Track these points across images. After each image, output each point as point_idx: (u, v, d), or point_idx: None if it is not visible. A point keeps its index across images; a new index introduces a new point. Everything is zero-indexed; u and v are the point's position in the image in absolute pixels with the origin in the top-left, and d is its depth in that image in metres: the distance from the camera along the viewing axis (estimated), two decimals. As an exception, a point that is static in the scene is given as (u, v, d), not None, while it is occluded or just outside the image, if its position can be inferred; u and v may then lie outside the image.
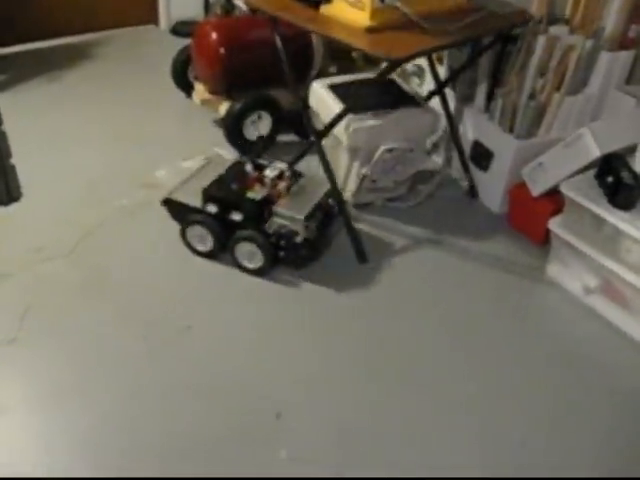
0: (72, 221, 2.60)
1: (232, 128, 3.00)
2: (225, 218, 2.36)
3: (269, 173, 2.40)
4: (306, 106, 2.87)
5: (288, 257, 2.37)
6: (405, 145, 2.61)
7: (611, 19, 2.68)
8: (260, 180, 2.39)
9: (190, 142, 3.15)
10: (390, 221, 2.73)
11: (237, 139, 3.03)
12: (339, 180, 2.64)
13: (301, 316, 2.30)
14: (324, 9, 2.32)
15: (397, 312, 2.35)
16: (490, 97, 2.84)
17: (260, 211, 2.34)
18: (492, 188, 2.88)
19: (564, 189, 2.37)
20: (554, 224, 2.46)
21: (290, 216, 2.33)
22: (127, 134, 3.19)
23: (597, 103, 2.83)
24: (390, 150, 2.58)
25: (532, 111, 2.67)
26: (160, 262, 2.47)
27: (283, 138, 3.19)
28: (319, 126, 2.86)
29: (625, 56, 2.79)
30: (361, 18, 2.23)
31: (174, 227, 2.57)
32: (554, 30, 2.63)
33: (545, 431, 2.00)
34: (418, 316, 2.35)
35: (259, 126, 3.03)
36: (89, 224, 2.59)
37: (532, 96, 2.66)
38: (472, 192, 2.97)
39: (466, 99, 2.97)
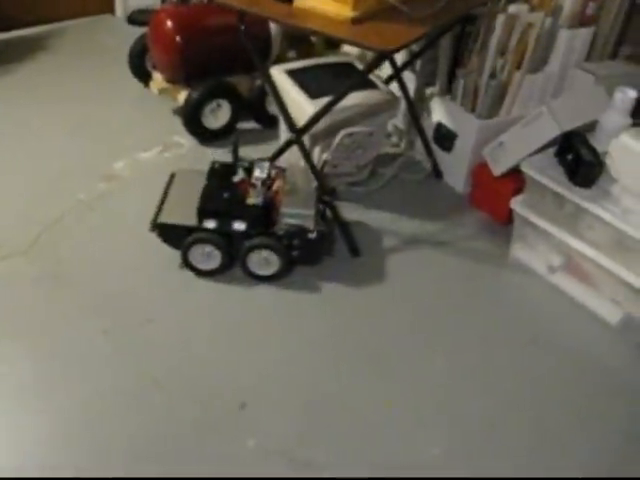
0: (30, 216, 2.55)
1: (191, 117, 2.96)
2: (226, 230, 2.28)
3: (259, 175, 2.33)
4: (266, 93, 2.85)
5: (303, 255, 2.32)
6: (365, 129, 2.58)
7: (569, -4, 2.68)
8: (252, 184, 2.33)
9: (149, 132, 3.11)
10: (353, 205, 2.71)
11: (196, 128, 2.99)
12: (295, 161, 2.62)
13: (262, 305, 2.28)
14: (299, 2, 2.22)
15: (360, 296, 2.34)
16: (451, 78, 2.83)
17: (265, 216, 2.27)
18: (456, 168, 2.88)
19: (524, 168, 2.37)
20: (516, 203, 2.46)
21: (299, 213, 2.28)
22: (84, 126, 3.14)
23: (558, 81, 2.84)
24: (350, 134, 2.55)
25: (493, 90, 2.66)
26: (120, 255, 2.42)
27: (243, 125, 3.17)
28: (275, 112, 2.86)
29: (584, 33, 2.79)
30: (343, 9, 2.15)
31: (132, 221, 2.55)
32: (513, 9, 2.62)
33: (514, 410, 2.00)
34: (381, 299, 2.34)
35: (218, 114, 2.99)
36: (47, 219, 2.54)
37: (493, 75, 2.65)
38: (436, 173, 2.97)
39: (428, 81, 2.95)
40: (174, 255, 2.32)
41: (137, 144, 3.00)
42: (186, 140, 3.03)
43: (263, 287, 2.33)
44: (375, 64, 2.41)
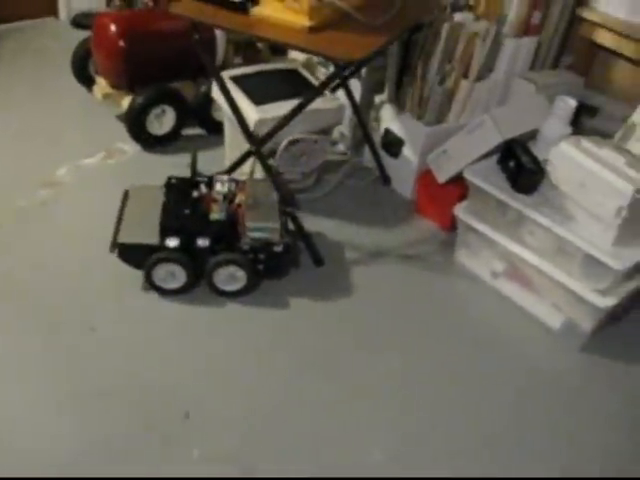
0: (-34, 224, 2.49)
1: (135, 123, 2.91)
2: (190, 248, 2.22)
3: (220, 188, 2.30)
4: (211, 99, 2.83)
5: (270, 269, 2.29)
6: (309, 136, 2.58)
7: (514, 5, 2.72)
8: (214, 199, 2.29)
9: (92, 138, 3.06)
10: (302, 213, 2.68)
11: (140, 134, 2.95)
12: (245, 171, 2.60)
13: (207, 312, 2.26)
14: (255, 11, 2.20)
15: (303, 306, 2.33)
16: (399, 85, 2.85)
17: (229, 231, 2.24)
18: (404, 175, 2.89)
19: (467, 175, 2.39)
20: (459, 210, 2.48)
21: (265, 227, 2.23)
22: (25, 132, 3.07)
23: (503, 89, 2.88)
24: (294, 142, 2.55)
25: (440, 98, 2.69)
26: (61, 263, 2.37)
27: (188, 132, 3.14)
28: (222, 118, 2.84)
29: (528, 42, 2.84)
30: (300, 18, 2.14)
31: (75, 228, 2.51)
32: (458, 17, 2.65)
33: (455, 413, 2.02)
34: (323, 308, 2.33)
35: (163, 120, 2.96)
36: (-15, 227, 2.48)
37: (441, 82, 2.68)
38: (384, 179, 2.98)
39: (374, 88, 2.97)
40: (115, 264, 2.26)
41: (80, 150, 2.94)
42: (130, 146, 2.99)
43: (205, 295, 2.30)
44: (336, 75, 2.41)
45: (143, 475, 1.75)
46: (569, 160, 2.18)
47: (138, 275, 2.27)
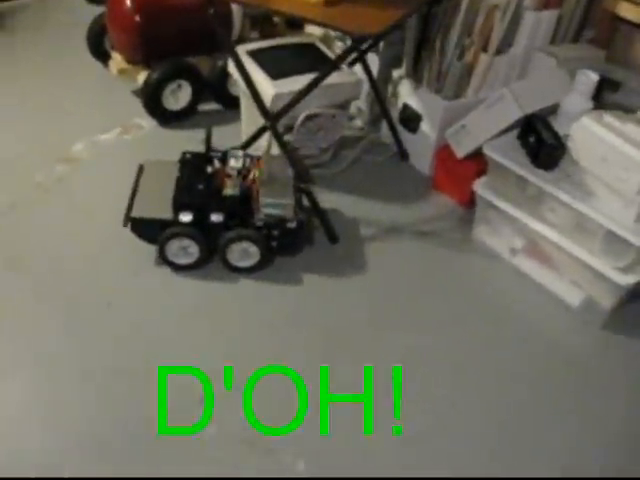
0: (-17, 200, 2.50)
1: (151, 98, 2.90)
2: (203, 223, 2.21)
3: (234, 164, 2.28)
4: (227, 73, 2.81)
5: (284, 245, 2.28)
6: (327, 111, 2.56)
7: (535, -22, 2.67)
8: (227, 174, 2.27)
9: (108, 114, 3.04)
10: (318, 189, 2.67)
11: (156, 109, 2.93)
12: (262, 147, 2.59)
13: (220, 288, 2.25)
14: None
15: (317, 283, 2.32)
16: (417, 59, 2.81)
17: (243, 206, 2.22)
18: (422, 150, 2.86)
19: (487, 151, 2.36)
20: (478, 186, 2.45)
21: (279, 203, 2.21)
22: (41, 108, 3.06)
23: (522, 63, 2.83)
24: (312, 116, 2.52)
25: (459, 72, 2.65)
26: (78, 239, 2.38)
27: (204, 107, 3.12)
28: (239, 93, 2.81)
29: (548, 15, 2.78)
30: None
31: (91, 204, 2.51)
32: (478, -11, 2.61)
33: (477, 391, 2.01)
34: (338, 286, 2.32)
35: (179, 95, 2.94)
36: (3, 202, 2.48)
37: (460, 56, 2.64)
38: (402, 155, 2.95)
39: (391, 63, 2.93)
40: (130, 240, 2.26)
41: (96, 126, 2.93)
42: (146, 122, 2.97)
43: (223, 276, 2.29)
44: (352, 49, 2.37)
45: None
46: (591, 135, 2.14)
47: (153, 250, 2.27)
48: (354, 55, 2.72)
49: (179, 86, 2.93)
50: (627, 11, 2.74)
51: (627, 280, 2.11)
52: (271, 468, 1.77)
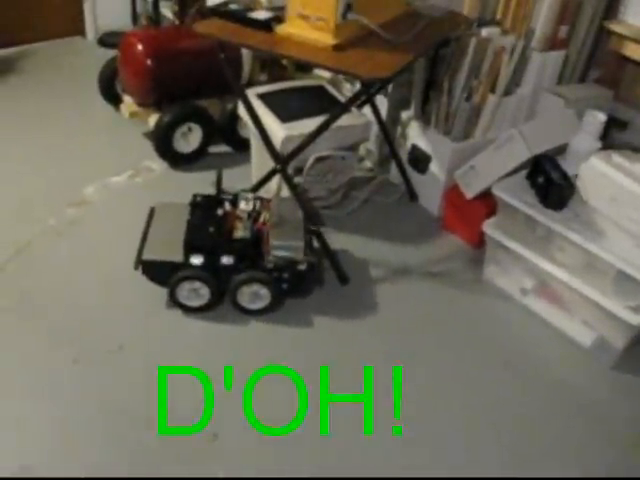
0: (-2, 242, 2.52)
1: (162, 141, 2.93)
2: (214, 265, 2.22)
3: (244, 207, 2.30)
4: (237, 116, 2.84)
5: (294, 287, 2.28)
6: (336, 153, 2.58)
7: (541, 20, 2.70)
8: (238, 217, 2.28)
9: (119, 157, 3.08)
10: (328, 230, 2.68)
11: (167, 152, 2.97)
12: (272, 190, 2.60)
13: (231, 330, 2.25)
14: (280, 30, 2.20)
15: (327, 324, 2.31)
16: (425, 101, 2.83)
17: (253, 249, 2.23)
18: (431, 191, 2.88)
19: (496, 191, 2.37)
20: (488, 226, 2.45)
21: (289, 245, 2.22)
22: (54, 150, 3.10)
23: (530, 104, 2.86)
24: (321, 158, 2.54)
25: (467, 113, 2.67)
26: (90, 282, 2.38)
27: (215, 149, 3.15)
28: (249, 135, 2.84)
29: (555, 56, 2.82)
30: (324, 36, 2.13)
31: (103, 247, 2.52)
32: (485, 32, 2.64)
33: (487, 433, 1.99)
34: (348, 327, 2.31)
35: (189, 138, 2.97)
36: (16, 245, 2.50)
37: (467, 98, 2.66)
38: (411, 196, 2.97)
39: (400, 105, 2.96)
40: (141, 283, 2.27)
41: (108, 168, 2.97)
42: (157, 164, 3.01)
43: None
44: (362, 92, 2.39)
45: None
46: (600, 175, 2.15)
47: (164, 292, 2.27)
48: (363, 97, 2.74)
49: (190, 129, 2.96)
50: (633, 51, 2.76)
51: (639, 319, 2.10)
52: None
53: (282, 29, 2.21)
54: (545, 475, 1.89)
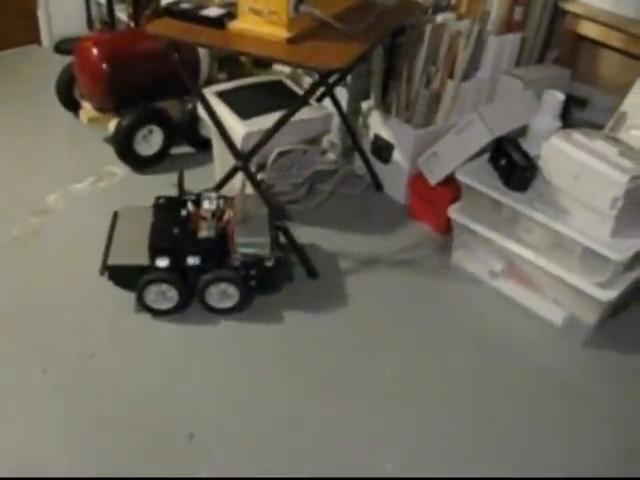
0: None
1: (123, 145, 2.90)
2: (180, 267, 2.20)
3: (208, 206, 2.27)
4: (197, 116, 2.82)
5: (262, 284, 2.26)
6: (299, 147, 2.57)
7: (496, 2, 2.71)
8: (202, 217, 2.26)
9: (81, 163, 3.04)
10: (295, 225, 2.66)
11: (129, 155, 2.93)
12: (236, 188, 2.58)
13: (202, 331, 2.23)
14: (233, 26, 2.17)
15: (298, 319, 2.30)
16: (385, 90, 2.83)
17: (219, 248, 2.21)
18: (396, 180, 2.88)
19: (459, 176, 2.37)
20: (454, 211, 2.45)
21: (255, 242, 2.20)
22: (13, 159, 3.05)
23: (489, 87, 2.86)
24: (284, 153, 2.53)
25: (427, 100, 2.67)
26: (56, 291, 2.35)
27: (177, 150, 3.13)
28: (210, 134, 2.82)
29: (512, 39, 2.83)
30: (278, 30, 2.11)
31: (68, 254, 2.49)
32: (441, 18, 2.64)
33: (465, 418, 2.00)
34: (320, 321, 2.31)
35: (150, 140, 2.94)
36: (-22, 258, 2.46)
37: (427, 84, 2.66)
38: (377, 186, 2.97)
39: (360, 95, 2.95)
40: (107, 289, 2.25)
41: (70, 175, 2.92)
42: (120, 169, 2.97)
43: (200, 314, 2.27)
44: (319, 84, 2.38)
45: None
46: (561, 154, 2.16)
47: (132, 297, 2.25)
48: (322, 90, 2.73)
49: (150, 131, 2.93)
50: (589, 29, 2.78)
51: (607, 295, 2.11)
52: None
53: (235, 25, 2.18)
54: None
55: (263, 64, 3.33)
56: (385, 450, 1.89)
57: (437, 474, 1.84)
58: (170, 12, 2.27)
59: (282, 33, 2.12)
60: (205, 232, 2.22)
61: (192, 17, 2.21)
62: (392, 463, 1.86)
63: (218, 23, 2.18)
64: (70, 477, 1.74)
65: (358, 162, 3.01)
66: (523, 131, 2.42)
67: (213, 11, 2.22)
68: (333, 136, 3.04)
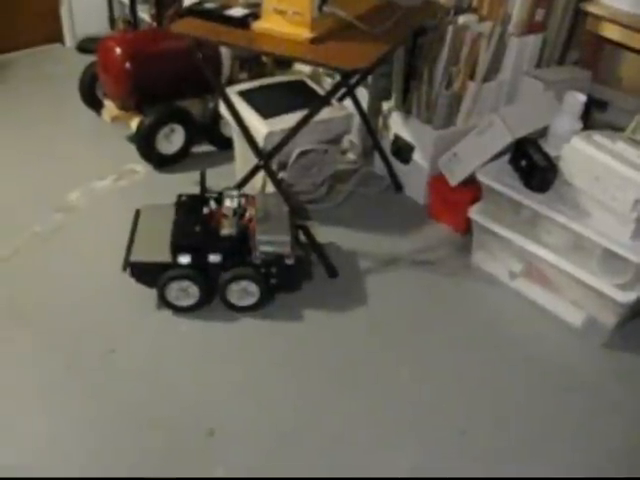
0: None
1: (144, 143, 2.92)
2: (202, 264, 2.22)
3: (230, 204, 2.28)
4: (219, 115, 2.84)
5: (282, 282, 2.28)
6: (319, 146, 2.58)
7: (517, 4, 2.71)
8: (224, 214, 2.27)
9: (103, 161, 3.07)
10: (314, 224, 2.67)
11: (150, 154, 2.95)
12: (257, 185, 2.60)
13: (222, 328, 2.25)
14: (257, 26, 2.20)
15: (318, 318, 2.31)
16: (406, 91, 2.84)
17: (240, 246, 2.23)
18: (416, 180, 2.88)
19: (480, 177, 2.38)
20: (474, 212, 2.46)
21: (275, 240, 2.22)
22: (37, 157, 3.09)
23: (510, 89, 2.86)
24: (304, 153, 2.54)
25: (447, 101, 2.68)
26: (78, 287, 2.38)
27: (198, 149, 3.15)
28: (231, 133, 2.84)
29: (533, 40, 2.82)
30: (301, 30, 2.14)
31: (90, 251, 2.52)
32: (463, 19, 2.65)
33: (482, 417, 2.00)
34: (339, 319, 2.32)
35: (172, 139, 2.97)
36: (2, 253, 2.48)
37: (448, 85, 2.66)
38: (396, 186, 2.97)
39: (381, 95, 2.96)
40: (129, 285, 2.27)
41: (92, 173, 2.95)
42: (141, 167, 3.00)
43: (223, 311, 2.29)
44: (341, 84, 2.40)
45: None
46: (582, 155, 2.16)
47: (153, 293, 2.27)
48: (344, 90, 2.74)
49: (172, 130, 2.96)
50: (610, 31, 2.77)
51: (627, 297, 2.11)
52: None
53: (259, 25, 2.21)
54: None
55: (284, 64, 3.34)
56: (402, 448, 1.90)
57: (454, 473, 1.85)
58: (193, 12, 2.30)
59: (306, 33, 2.14)
60: (227, 230, 2.23)
61: (216, 17, 2.24)
62: (409, 461, 1.87)
63: (242, 23, 2.20)
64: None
65: (378, 162, 3.02)
66: (544, 132, 2.42)
67: (237, 11, 2.25)
68: (353, 136, 3.05)
